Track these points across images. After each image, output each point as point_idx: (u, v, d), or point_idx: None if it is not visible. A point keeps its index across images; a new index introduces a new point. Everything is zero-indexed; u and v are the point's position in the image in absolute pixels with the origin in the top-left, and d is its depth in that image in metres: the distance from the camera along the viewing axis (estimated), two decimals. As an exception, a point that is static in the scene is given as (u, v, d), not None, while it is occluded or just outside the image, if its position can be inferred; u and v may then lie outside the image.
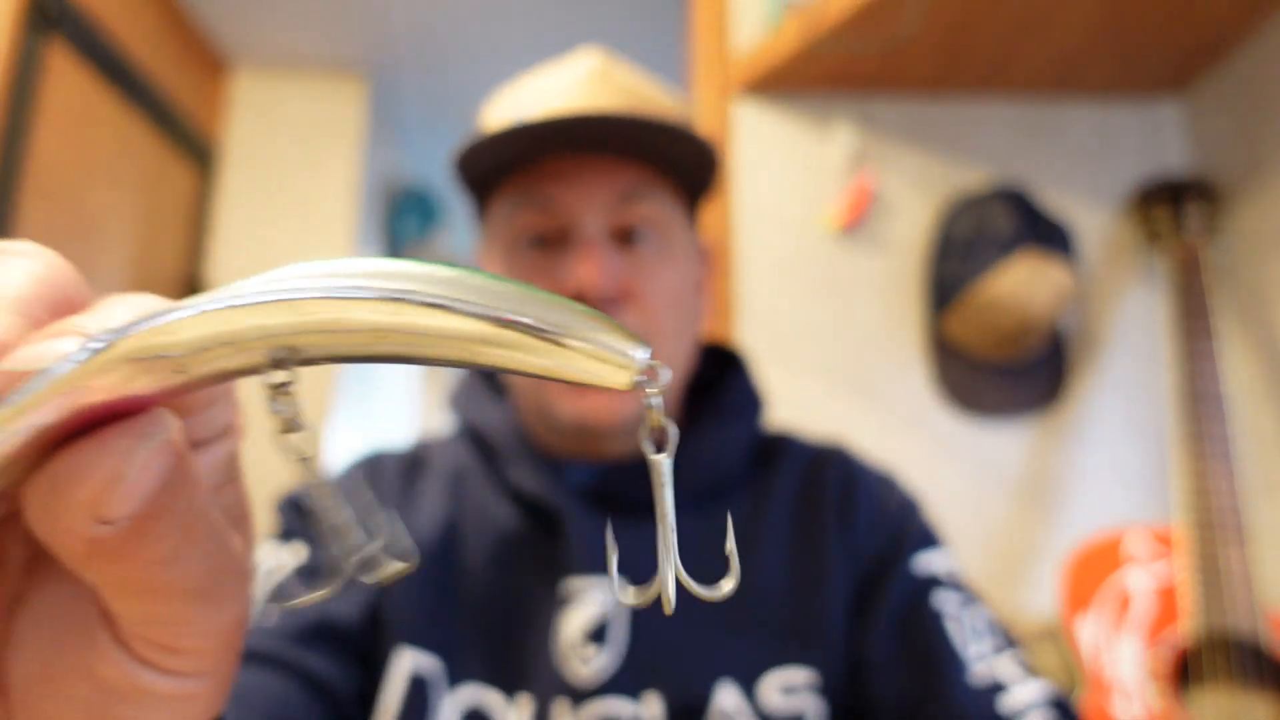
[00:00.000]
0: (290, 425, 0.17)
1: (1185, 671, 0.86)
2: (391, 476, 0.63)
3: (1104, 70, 1.18)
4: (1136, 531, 0.96)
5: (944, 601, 0.55)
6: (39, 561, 0.20)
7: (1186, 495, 0.92)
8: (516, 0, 2.16)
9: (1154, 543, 0.94)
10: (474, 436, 0.65)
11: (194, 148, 2.27)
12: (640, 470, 0.59)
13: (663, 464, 0.17)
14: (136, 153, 2.03)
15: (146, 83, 2.04)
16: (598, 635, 0.54)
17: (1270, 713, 0.82)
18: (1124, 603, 0.91)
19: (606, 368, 0.16)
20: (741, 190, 1.22)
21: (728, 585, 0.18)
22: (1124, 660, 0.87)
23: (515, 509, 0.60)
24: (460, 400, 0.68)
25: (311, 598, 0.18)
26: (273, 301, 0.16)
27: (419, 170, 3.02)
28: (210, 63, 2.37)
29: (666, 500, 0.17)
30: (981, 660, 0.53)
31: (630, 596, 0.18)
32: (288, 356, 0.16)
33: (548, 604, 0.55)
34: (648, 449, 0.17)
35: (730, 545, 0.19)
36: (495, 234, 0.61)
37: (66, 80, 1.76)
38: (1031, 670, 0.54)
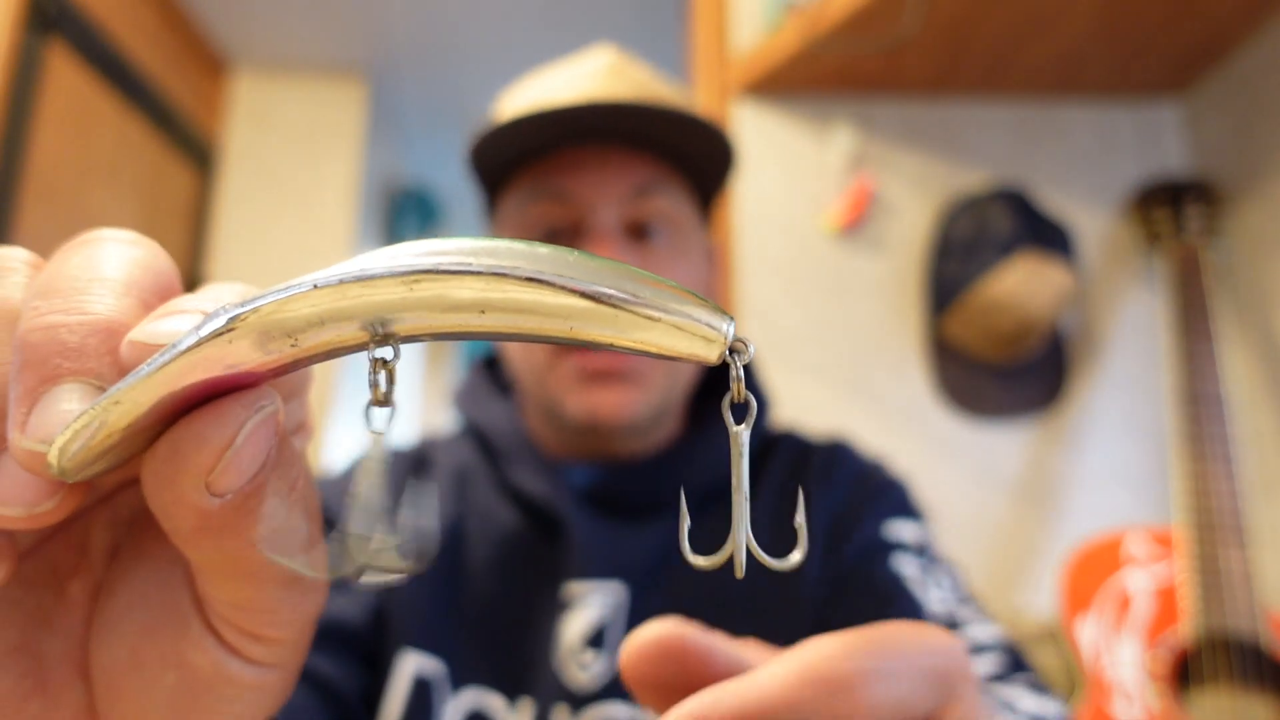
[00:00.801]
0: (383, 399, 0.18)
1: (1185, 672, 0.86)
2: (396, 474, 0.63)
3: (1104, 71, 1.18)
4: (1136, 532, 0.96)
5: (905, 564, 0.54)
6: (124, 551, 0.21)
7: (1186, 496, 0.92)
8: (516, 1, 2.16)
9: (1154, 544, 0.94)
10: (477, 436, 0.64)
11: (194, 148, 2.27)
12: (642, 471, 0.59)
13: (742, 435, 0.18)
14: (136, 153, 2.03)
15: (146, 83, 2.04)
16: (596, 640, 0.54)
17: (1270, 714, 0.82)
18: (1124, 604, 0.91)
19: (698, 341, 0.17)
20: (741, 191, 1.22)
21: (796, 556, 0.18)
22: (1124, 661, 0.87)
23: (517, 511, 0.60)
24: (464, 399, 0.67)
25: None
26: (382, 276, 0.16)
27: (419, 170, 3.02)
28: (210, 63, 2.37)
29: (743, 472, 0.18)
30: (941, 603, 0.52)
31: (703, 561, 0.18)
32: (393, 332, 0.17)
33: (549, 608, 0.55)
34: (728, 420, 0.18)
35: (800, 519, 0.19)
36: (505, 228, 0.61)
37: (66, 81, 1.76)
38: (992, 619, 0.53)
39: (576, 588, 0.55)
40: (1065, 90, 1.22)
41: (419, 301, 0.16)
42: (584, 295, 0.16)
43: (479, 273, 0.16)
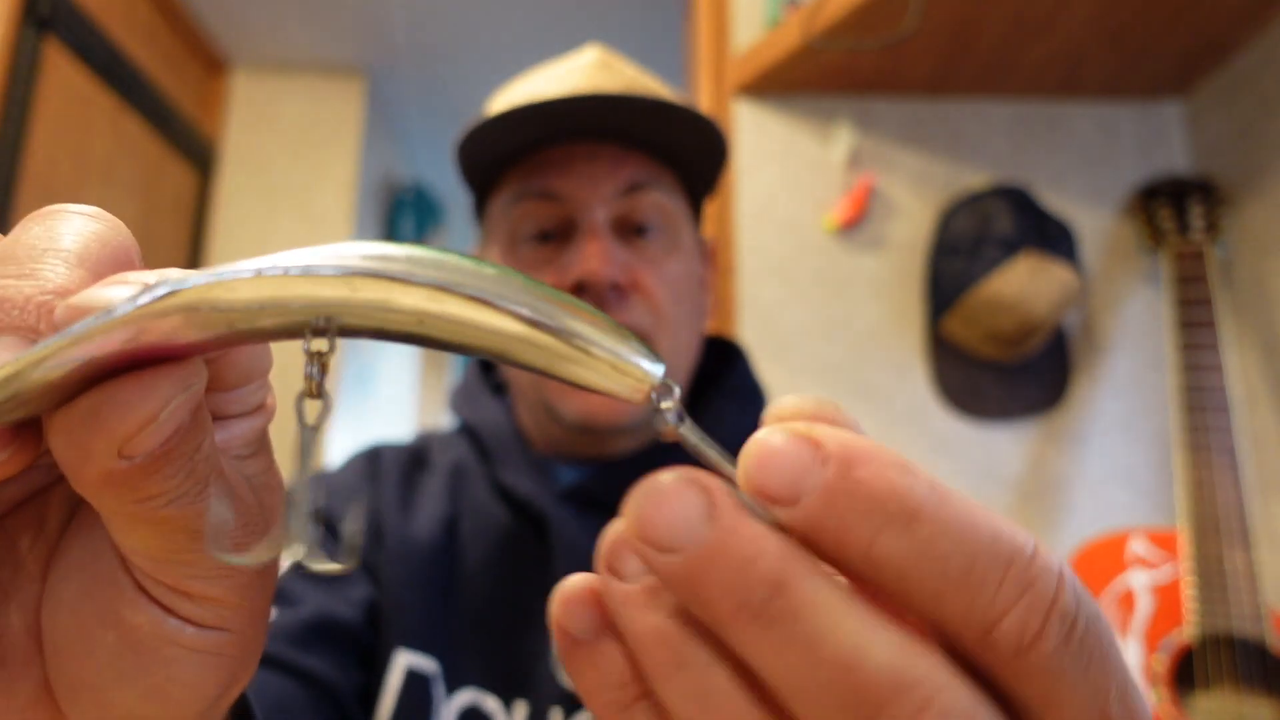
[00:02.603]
0: (315, 390, 0.18)
1: (1187, 673, 0.86)
2: (392, 471, 0.63)
3: (1105, 71, 1.18)
4: (1138, 533, 0.96)
5: None
6: (75, 521, 0.21)
7: (1188, 496, 0.92)
8: (516, 0, 2.16)
9: (1156, 544, 0.94)
10: (471, 435, 0.64)
11: (192, 147, 2.26)
12: (628, 470, 0.59)
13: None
14: (134, 152, 2.02)
15: (144, 82, 2.03)
16: None
17: (1273, 715, 0.82)
18: (1126, 604, 0.90)
19: (626, 380, 0.17)
20: (741, 190, 1.22)
21: None
22: (1126, 668, 0.87)
23: (508, 510, 0.59)
24: (459, 398, 0.67)
25: (250, 558, 0.18)
26: (327, 274, 0.16)
27: (417, 170, 3.02)
28: (208, 62, 2.36)
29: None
30: None
31: None
32: (330, 326, 0.17)
33: (541, 609, 0.55)
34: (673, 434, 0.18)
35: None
36: (495, 229, 0.60)
37: (63, 79, 1.75)
38: None
39: None
40: (1067, 89, 1.22)
41: (360, 303, 0.17)
42: (522, 320, 0.17)
43: (422, 284, 0.16)
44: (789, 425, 0.16)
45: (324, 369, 0.18)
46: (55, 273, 0.17)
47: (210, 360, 0.20)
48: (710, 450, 0.17)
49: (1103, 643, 0.15)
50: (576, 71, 0.60)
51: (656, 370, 0.17)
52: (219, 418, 0.21)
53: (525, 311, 0.17)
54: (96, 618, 0.20)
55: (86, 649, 0.20)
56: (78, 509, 0.21)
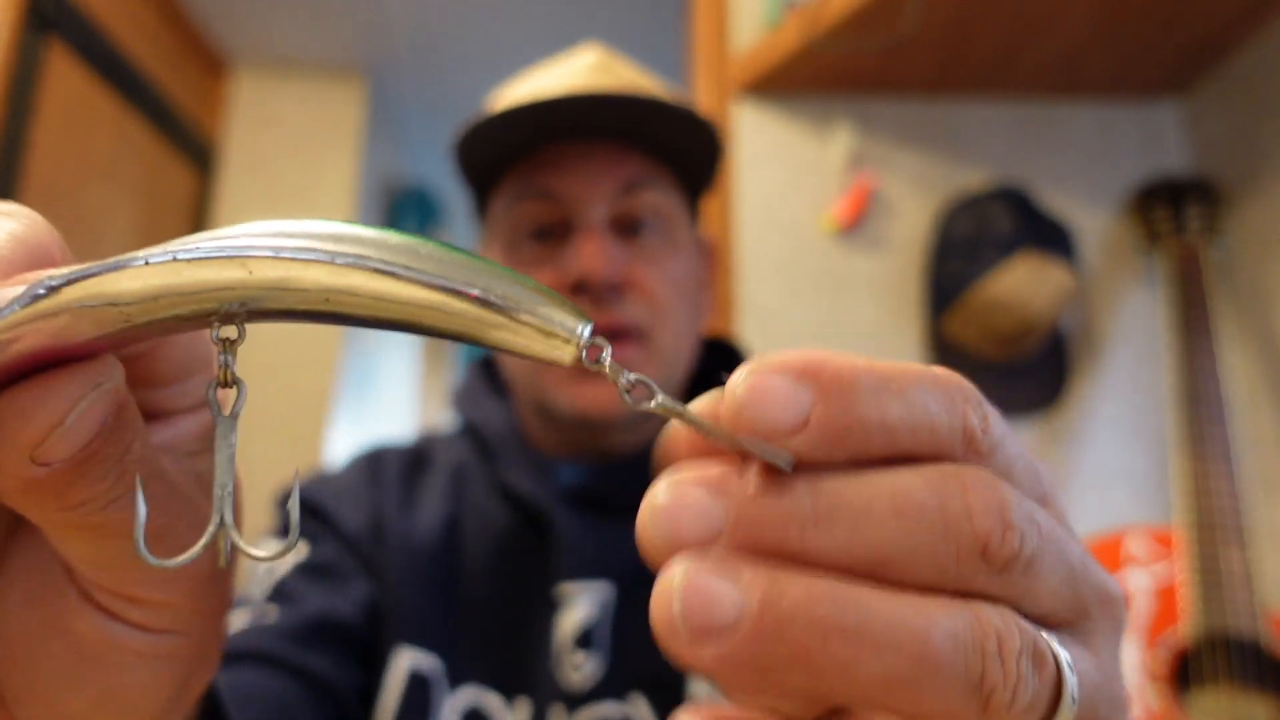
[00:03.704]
0: (229, 380, 0.17)
1: (1185, 672, 0.86)
2: (394, 472, 0.63)
3: (1104, 70, 1.18)
4: (1136, 532, 0.96)
5: None
6: (13, 531, 0.21)
7: (1186, 496, 0.92)
8: (516, 1, 2.16)
9: (1154, 543, 0.94)
10: (473, 435, 0.64)
11: (193, 147, 2.26)
12: (629, 470, 0.59)
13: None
14: (135, 152, 2.03)
15: (145, 82, 2.03)
16: (586, 641, 0.54)
17: (1271, 714, 0.82)
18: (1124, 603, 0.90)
19: (552, 342, 0.16)
20: (741, 190, 1.22)
21: None
22: (1124, 661, 0.87)
23: (509, 510, 0.60)
24: (461, 398, 0.67)
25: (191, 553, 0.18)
26: (219, 258, 0.16)
27: (418, 170, 3.02)
28: (210, 62, 2.37)
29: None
30: None
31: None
32: (237, 311, 0.16)
33: (542, 608, 0.55)
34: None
35: None
36: (496, 229, 0.61)
37: (65, 80, 1.76)
38: None
39: (567, 588, 0.55)
40: (1066, 89, 1.22)
41: (257, 284, 0.16)
42: (431, 288, 0.16)
43: (321, 260, 0.16)
44: (754, 367, 0.16)
45: (232, 357, 0.17)
46: None
47: (137, 357, 0.19)
48: (689, 415, 0.17)
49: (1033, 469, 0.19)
50: (574, 71, 0.60)
51: (584, 329, 0.17)
52: (161, 415, 0.21)
53: (435, 280, 0.16)
54: (43, 626, 0.19)
55: (35, 658, 0.19)
56: (19, 518, 0.21)
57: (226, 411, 0.18)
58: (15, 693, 0.20)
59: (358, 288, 0.16)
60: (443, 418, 3.70)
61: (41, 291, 0.15)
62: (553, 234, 0.58)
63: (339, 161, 2.40)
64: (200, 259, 0.16)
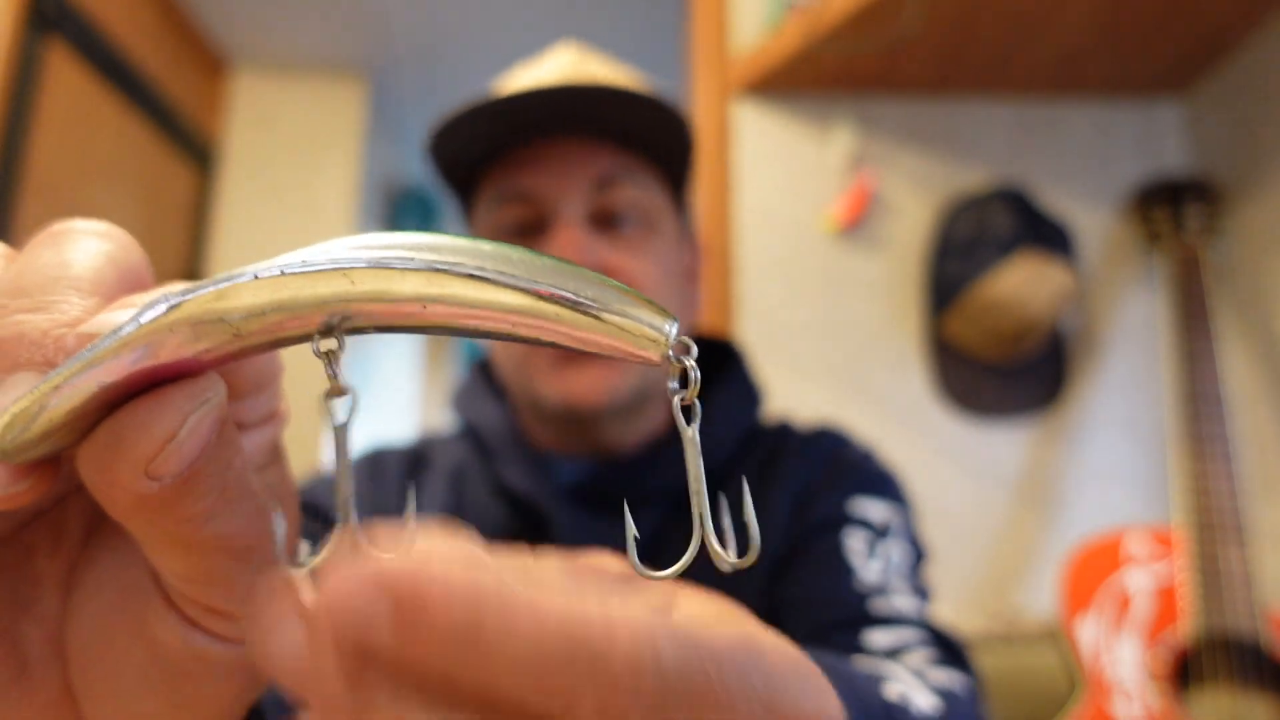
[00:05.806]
0: (340, 390, 0.18)
1: (1185, 672, 0.86)
2: (394, 473, 0.63)
3: (1104, 70, 1.18)
4: (1136, 532, 0.96)
5: (854, 537, 0.54)
6: (98, 532, 0.21)
7: (1186, 495, 0.92)
8: (517, 1, 2.16)
9: (1154, 543, 0.94)
10: (472, 435, 0.65)
11: (194, 148, 2.27)
12: (627, 466, 0.59)
13: (695, 436, 0.18)
14: (136, 153, 2.03)
15: (146, 83, 2.04)
16: None
17: (1270, 713, 0.82)
18: (1124, 603, 0.91)
19: (641, 341, 0.17)
20: (741, 190, 1.22)
21: (750, 556, 0.18)
22: (1124, 661, 0.87)
23: (508, 509, 0.60)
24: (460, 399, 0.67)
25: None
26: (323, 270, 0.16)
27: (419, 170, 3.02)
28: (210, 63, 2.37)
29: (698, 473, 0.18)
30: (878, 574, 0.52)
31: (657, 574, 0.18)
32: (337, 325, 0.17)
33: None
34: (680, 423, 0.18)
35: (749, 514, 0.19)
36: (480, 232, 0.61)
37: (66, 80, 1.76)
38: (927, 598, 0.53)
39: None
40: (1065, 89, 1.22)
41: (360, 295, 0.16)
42: (524, 292, 0.16)
43: (419, 269, 0.16)
44: (360, 566, 0.13)
45: (336, 368, 0.18)
46: (69, 304, 0.17)
47: (223, 372, 0.19)
48: (693, 462, 0.17)
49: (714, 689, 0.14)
50: (548, 70, 0.60)
51: (670, 328, 0.17)
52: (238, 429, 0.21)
53: (526, 283, 0.16)
54: (126, 632, 0.20)
55: (115, 661, 0.20)
56: (100, 520, 0.21)
57: (339, 421, 0.18)
58: (89, 691, 0.20)
59: (453, 295, 0.16)
60: (442, 418, 3.70)
61: (159, 310, 0.16)
62: (533, 232, 0.58)
63: (339, 161, 2.40)
64: (305, 272, 0.16)
